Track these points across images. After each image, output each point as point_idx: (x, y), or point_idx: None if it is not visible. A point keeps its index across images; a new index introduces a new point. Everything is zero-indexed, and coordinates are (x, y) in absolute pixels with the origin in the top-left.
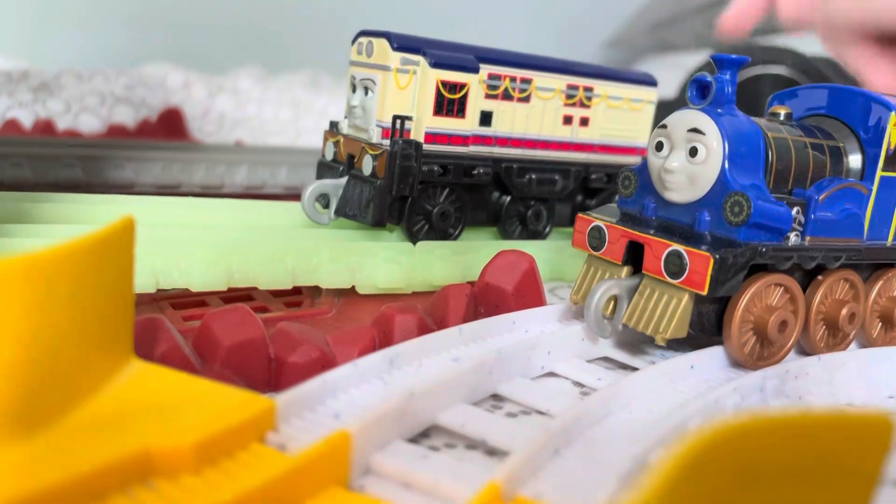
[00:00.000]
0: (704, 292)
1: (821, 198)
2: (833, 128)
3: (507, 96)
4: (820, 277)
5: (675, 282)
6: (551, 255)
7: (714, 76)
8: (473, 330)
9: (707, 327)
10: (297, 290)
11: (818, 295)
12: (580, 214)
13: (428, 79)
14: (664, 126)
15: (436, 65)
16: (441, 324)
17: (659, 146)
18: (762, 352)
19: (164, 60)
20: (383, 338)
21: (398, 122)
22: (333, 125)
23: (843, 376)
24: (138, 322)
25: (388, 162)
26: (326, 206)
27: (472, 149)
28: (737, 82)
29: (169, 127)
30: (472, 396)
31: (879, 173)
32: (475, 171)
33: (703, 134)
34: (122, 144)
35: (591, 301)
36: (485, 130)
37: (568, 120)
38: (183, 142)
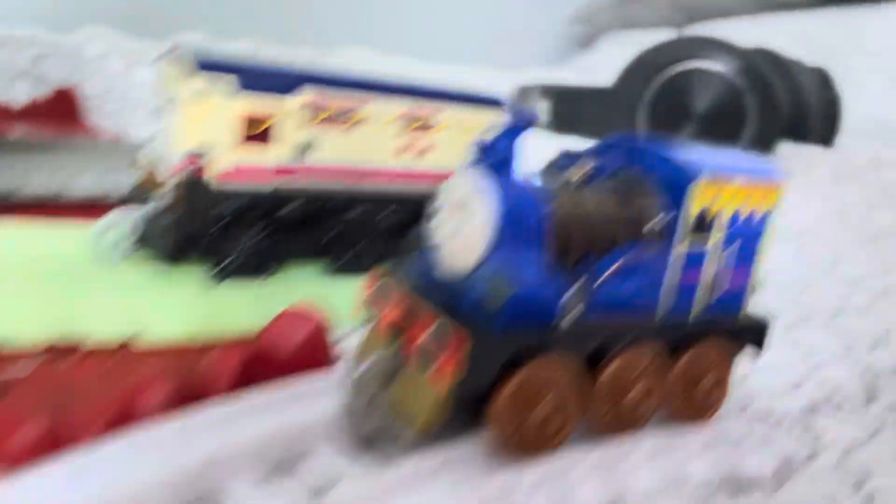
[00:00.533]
0: (457, 381)
1: (605, 274)
2: (636, 186)
3: (332, 121)
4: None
5: (432, 368)
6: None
7: (494, 139)
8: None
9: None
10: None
11: (607, 372)
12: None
13: (232, 107)
14: (441, 189)
15: (240, 89)
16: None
17: (436, 211)
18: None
19: (108, 24)
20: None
21: (190, 156)
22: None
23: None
24: None
25: (184, 194)
26: (124, 239)
27: (280, 182)
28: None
29: (60, 110)
30: None
31: (678, 243)
32: (285, 210)
33: (475, 207)
34: None
35: (352, 375)
36: (301, 162)
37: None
38: (73, 129)
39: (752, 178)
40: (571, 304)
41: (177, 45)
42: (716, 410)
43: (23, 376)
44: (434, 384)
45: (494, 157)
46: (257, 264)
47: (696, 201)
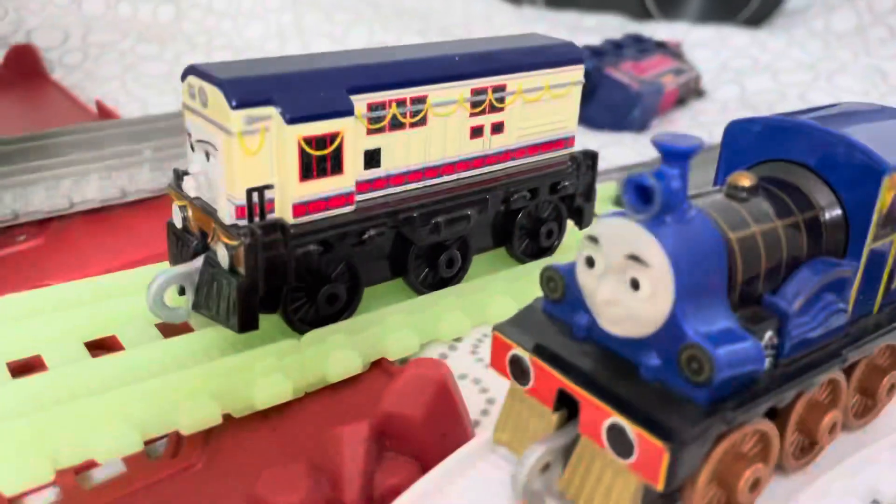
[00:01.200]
0: (660, 488)
1: (796, 307)
2: (805, 182)
3: (396, 125)
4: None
5: (621, 461)
6: (473, 299)
7: (656, 174)
8: None
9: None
10: None
11: (795, 416)
12: (495, 331)
13: (286, 138)
14: (595, 240)
15: (294, 120)
16: (335, 485)
17: (590, 262)
18: None
19: None
20: None
21: (254, 195)
22: (179, 177)
23: None
24: None
25: (248, 256)
26: (182, 292)
27: (360, 200)
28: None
29: (20, 69)
30: None
31: (868, 247)
32: (366, 236)
33: (647, 266)
34: None
35: (519, 474)
36: (373, 173)
37: (477, 132)
38: (38, 84)
39: None
40: (767, 351)
41: (193, 81)
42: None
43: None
44: (633, 475)
45: (661, 200)
46: (334, 310)
47: (887, 195)
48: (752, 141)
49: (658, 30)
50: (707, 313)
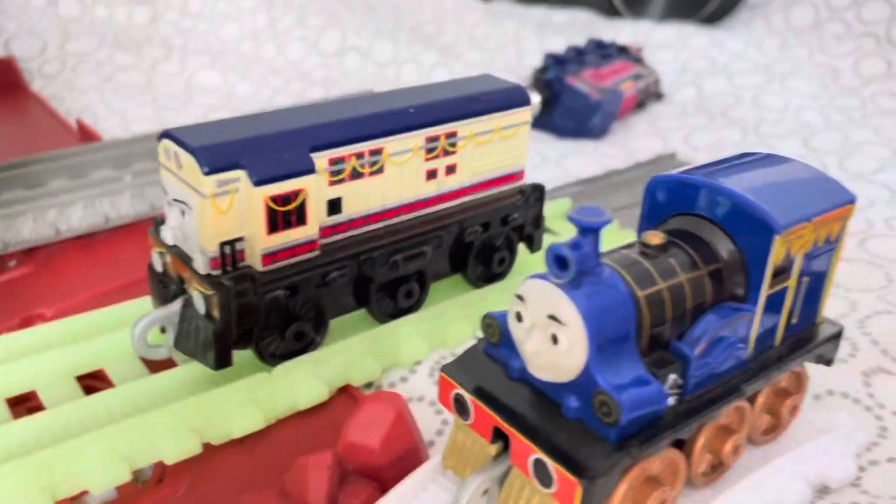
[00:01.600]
0: None
1: (698, 351)
2: (710, 235)
3: (356, 175)
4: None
5: (545, 491)
6: (431, 325)
7: (571, 245)
8: None
9: None
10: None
11: (700, 442)
12: (442, 373)
13: (254, 198)
14: (522, 298)
15: (260, 182)
16: None
17: (518, 317)
18: None
19: None
20: None
21: (226, 248)
22: (157, 224)
23: None
24: None
25: (222, 303)
26: (164, 330)
27: (324, 243)
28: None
29: (1, 83)
30: None
31: (764, 294)
32: (329, 278)
33: (564, 324)
34: None
35: (460, 500)
36: (335, 219)
37: (432, 174)
38: (19, 98)
39: (827, 209)
40: (672, 391)
41: (168, 144)
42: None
43: None
44: (556, 500)
45: (575, 267)
46: (303, 344)
47: (779, 250)
48: (668, 195)
49: (624, 27)
50: (617, 361)
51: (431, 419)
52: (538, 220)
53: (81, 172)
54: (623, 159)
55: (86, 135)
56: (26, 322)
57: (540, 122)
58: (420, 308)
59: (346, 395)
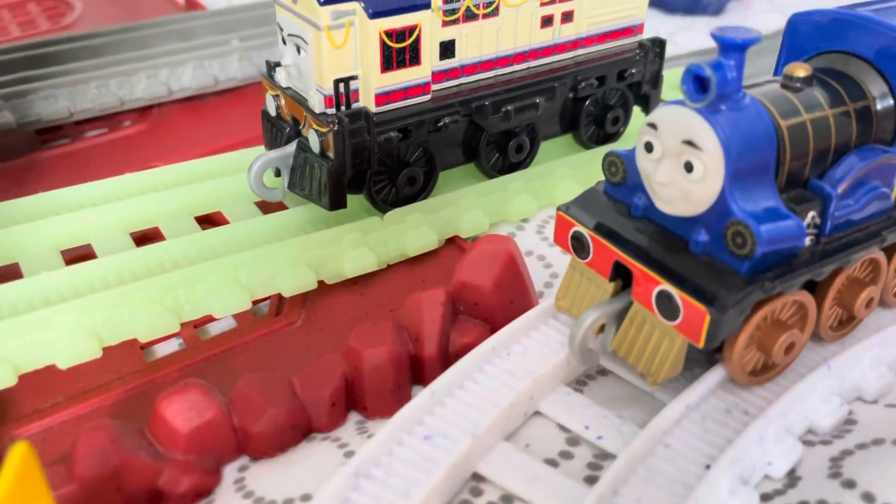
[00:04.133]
0: (700, 346)
1: (840, 190)
2: (860, 73)
3: (470, 16)
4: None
5: (668, 324)
6: (539, 182)
7: (713, 65)
8: (447, 385)
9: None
10: None
11: (833, 290)
12: (559, 211)
13: (369, 32)
14: (654, 126)
15: (376, 14)
16: (416, 341)
17: (648, 147)
18: (762, 369)
19: None
20: (353, 373)
21: (341, 86)
22: (271, 68)
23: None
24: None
25: (337, 141)
26: (278, 174)
27: (436, 89)
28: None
29: None
30: (447, 492)
31: None
32: (441, 123)
33: (700, 150)
34: (47, 74)
35: (576, 333)
36: (448, 63)
37: (547, 21)
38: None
39: None
40: (810, 229)
41: None
42: None
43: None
44: (678, 335)
45: (719, 87)
46: (413, 191)
47: None
48: (812, 33)
49: None
50: (754, 194)
51: (540, 272)
52: (656, 79)
53: (189, 37)
54: None
55: (192, 5)
56: None
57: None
58: (529, 165)
59: (454, 247)
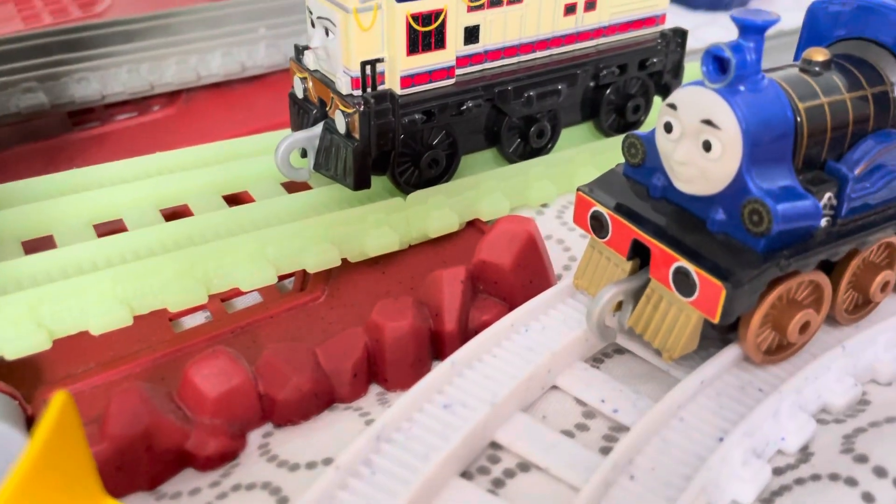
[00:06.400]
0: (716, 321)
1: (857, 172)
2: (878, 59)
3: (494, 2)
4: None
5: (684, 300)
6: (560, 168)
7: (733, 46)
8: (466, 357)
9: (717, 326)
10: None
11: (849, 272)
12: (579, 192)
13: (396, 16)
14: (673, 106)
15: None
16: (436, 317)
17: (668, 127)
18: (777, 349)
19: None
20: (375, 346)
21: (367, 68)
22: (299, 51)
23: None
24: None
25: (362, 122)
26: (304, 154)
27: (460, 74)
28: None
29: None
30: (465, 458)
31: None
32: (465, 107)
33: (719, 129)
34: (80, 57)
35: (593, 309)
36: (472, 48)
37: (571, 9)
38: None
39: None
40: (826, 210)
41: None
42: None
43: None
44: (694, 311)
45: (738, 69)
46: (436, 173)
47: None
48: (831, 20)
49: None
50: (771, 174)
51: (559, 255)
52: (678, 69)
53: (218, 24)
54: None
55: None
56: None
57: None
58: (550, 151)
59: (474, 229)
